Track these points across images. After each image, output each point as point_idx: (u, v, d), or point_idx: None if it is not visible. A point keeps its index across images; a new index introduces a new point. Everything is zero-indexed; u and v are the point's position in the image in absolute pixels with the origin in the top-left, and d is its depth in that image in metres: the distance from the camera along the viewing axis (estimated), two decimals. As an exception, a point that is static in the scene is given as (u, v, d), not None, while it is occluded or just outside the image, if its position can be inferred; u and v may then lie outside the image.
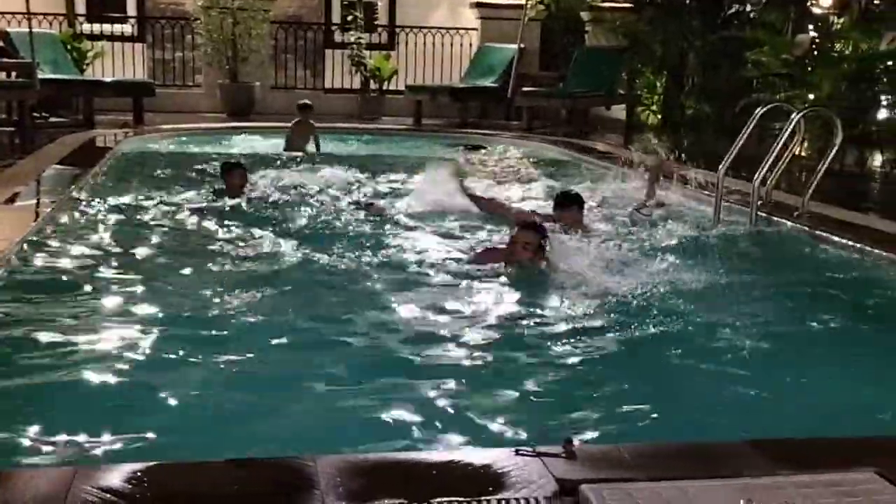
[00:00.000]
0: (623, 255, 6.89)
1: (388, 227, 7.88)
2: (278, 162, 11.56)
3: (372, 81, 17.51)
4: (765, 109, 8.75)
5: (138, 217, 8.09)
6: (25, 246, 6.47)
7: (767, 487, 2.76)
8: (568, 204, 7.71)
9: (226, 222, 7.86)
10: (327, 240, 7.29)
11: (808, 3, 12.88)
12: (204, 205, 8.67)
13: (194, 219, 8.05)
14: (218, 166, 10.20)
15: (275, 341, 4.92)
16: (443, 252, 6.99)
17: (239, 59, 16.54)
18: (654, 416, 4.10)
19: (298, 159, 12.02)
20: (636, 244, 7.24)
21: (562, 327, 5.30)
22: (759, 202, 7.89)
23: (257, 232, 7.48)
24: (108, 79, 15.74)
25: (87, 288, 5.82)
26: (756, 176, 7.77)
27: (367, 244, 7.05)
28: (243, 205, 8.72)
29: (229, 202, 8.75)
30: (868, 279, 6.61)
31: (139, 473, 2.79)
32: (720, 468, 2.94)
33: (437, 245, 7.25)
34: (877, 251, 6.92)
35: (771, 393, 4.38)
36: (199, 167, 11.18)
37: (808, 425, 4.02)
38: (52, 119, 14.31)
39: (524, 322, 5.42)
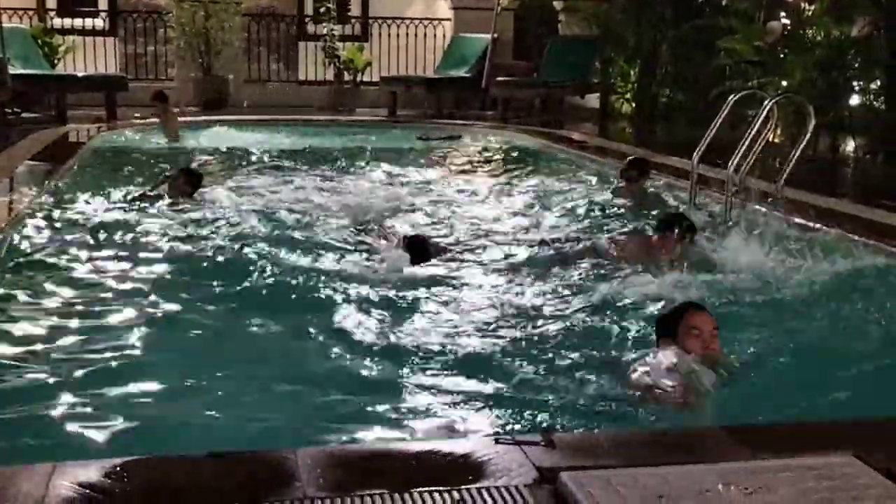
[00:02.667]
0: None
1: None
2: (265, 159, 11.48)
3: (346, 73, 17.46)
4: (737, 97, 8.77)
5: (112, 213, 8.03)
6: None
7: (746, 472, 2.78)
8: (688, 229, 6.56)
9: (197, 221, 7.82)
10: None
11: (780, -9, 12.94)
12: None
13: (165, 216, 8.02)
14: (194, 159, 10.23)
15: (252, 334, 4.91)
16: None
17: (212, 53, 16.47)
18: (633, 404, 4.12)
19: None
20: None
21: (540, 320, 5.31)
22: (733, 189, 7.92)
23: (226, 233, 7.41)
24: (80, 74, 15.62)
25: (61, 285, 5.78)
26: (730, 163, 7.80)
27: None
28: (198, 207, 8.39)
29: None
30: (841, 263, 6.65)
31: (119, 468, 2.78)
32: (698, 454, 2.96)
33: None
34: (851, 235, 6.96)
35: (748, 379, 4.40)
36: (174, 160, 11.14)
37: (785, 410, 4.04)
38: (24, 115, 14.18)
39: (505, 312, 5.44)
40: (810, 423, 3.68)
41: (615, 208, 8.37)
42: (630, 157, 9.25)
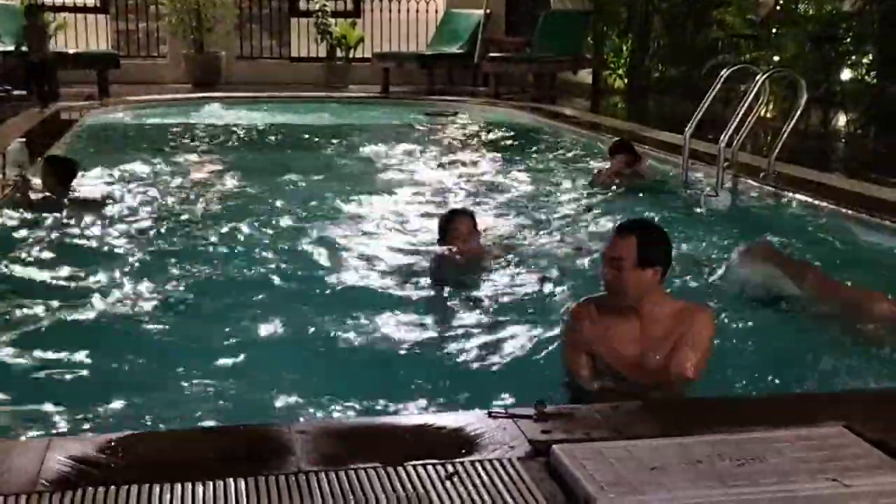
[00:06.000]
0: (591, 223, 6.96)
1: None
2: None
3: (338, 49, 17.37)
4: (730, 71, 8.77)
5: (103, 188, 8.03)
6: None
7: (737, 443, 2.79)
8: None
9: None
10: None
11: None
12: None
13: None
14: (182, 137, 10.16)
15: (243, 310, 4.92)
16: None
17: (204, 29, 16.36)
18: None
19: None
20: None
21: (530, 295, 5.33)
22: (725, 164, 7.92)
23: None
24: (71, 51, 15.51)
25: (58, 262, 5.78)
26: (722, 137, 7.80)
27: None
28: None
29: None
30: (833, 237, 6.67)
31: (113, 443, 2.78)
32: (691, 426, 2.97)
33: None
34: (842, 209, 6.99)
35: (740, 351, 4.42)
36: (167, 138, 11.16)
37: (776, 382, 4.06)
38: (16, 92, 14.09)
39: (494, 289, 5.44)
40: (801, 395, 3.70)
41: (606, 192, 8.24)
42: (616, 140, 9.05)
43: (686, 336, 3.76)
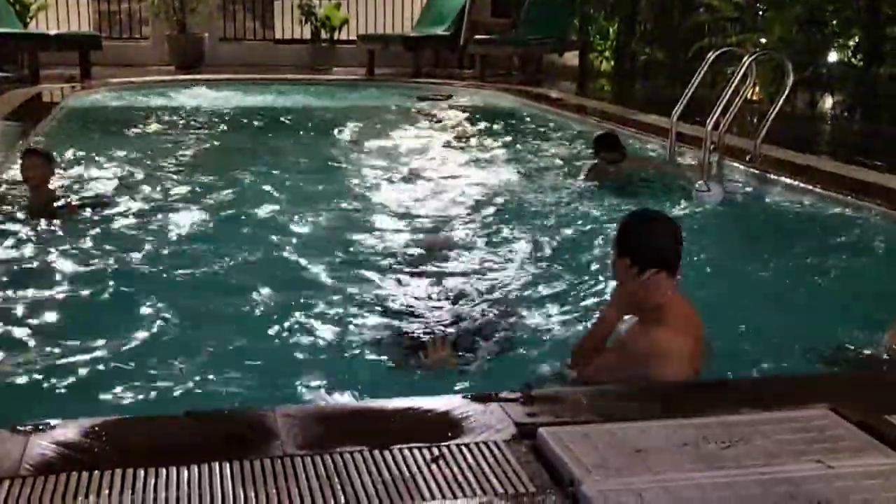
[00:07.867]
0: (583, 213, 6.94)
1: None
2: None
3: (322, 31, 17.31)
4: (716, 54, 8.75)
5: (86, 172, 7.98)
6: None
7: (723, 426, 2.80)
8: None
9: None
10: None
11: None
12: None
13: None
14: (165, 119, 10.08)
15: (230, 293, 4.90)
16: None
17: (187, 10, 16.27)
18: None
19: None
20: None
21: (523, 281, 5.32)
22: (711, 147, 7.90)
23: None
24: (52, 32, 15.40)
25: (37, 247, 5.75)
26: (709, 120, 7.79)
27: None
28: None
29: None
30: (819, 220, 6.68)
31: (97, 428, 2.76)
32: (677, 408, 2.97)
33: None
34: (828, 193, 7.00)
35: (726, 334, 4.43)
36: (150, 121, 11.11)
37: (762, 364, 4.07)
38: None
39: (486, 269, 5.44)
40: (787, 377, 3.71)
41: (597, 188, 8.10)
42: (605, 136, 8.44)
43: (619, 342, 3.70)
